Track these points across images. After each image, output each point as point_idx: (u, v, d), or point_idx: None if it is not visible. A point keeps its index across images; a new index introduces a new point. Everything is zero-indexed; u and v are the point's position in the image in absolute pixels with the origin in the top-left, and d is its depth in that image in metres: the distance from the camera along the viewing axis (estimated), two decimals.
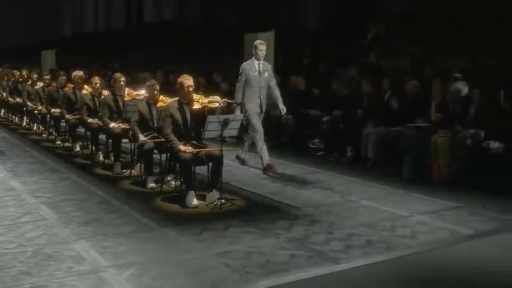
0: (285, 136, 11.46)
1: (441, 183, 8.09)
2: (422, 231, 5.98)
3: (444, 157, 8.22)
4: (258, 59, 8.97)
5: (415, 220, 6.37)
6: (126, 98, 9.23)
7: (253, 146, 9.22)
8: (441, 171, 8.20)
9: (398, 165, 8.70)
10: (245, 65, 9.06)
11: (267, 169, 8.92)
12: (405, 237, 5.83)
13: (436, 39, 11.97)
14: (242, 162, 9.50)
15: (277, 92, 9.18)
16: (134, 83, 13.22)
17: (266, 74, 9.03)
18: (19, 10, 32.32)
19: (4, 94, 17.09)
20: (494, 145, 7.58)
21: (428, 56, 11.35)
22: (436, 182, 8.16)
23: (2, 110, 18.05)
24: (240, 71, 9.06)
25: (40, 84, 13.89)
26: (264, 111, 9.14)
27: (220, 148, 7.06)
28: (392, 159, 8.97)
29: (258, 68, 8.96)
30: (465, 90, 8.66)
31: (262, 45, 9.03)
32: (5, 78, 17.92)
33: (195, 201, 7.02)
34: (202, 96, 7.44)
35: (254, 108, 8.98)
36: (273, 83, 9.21)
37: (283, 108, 9.20)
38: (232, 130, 7.26)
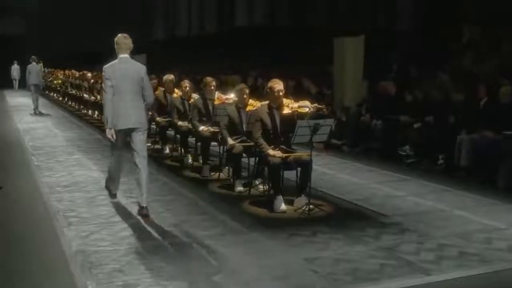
0: (374, 142, 11.26)
1: None
2: None
3: None
4: None
5: None
6: (216, 102, 9.33)
7: None
8: None
9: (493, 174, 8.37)
10: None
11: None
12: (501, 250, 5.58)
13: None
14: None
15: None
16: (222, 86, 13.36)
17: None
18: (109, 15, 33.21)
19: (98, 97, 17.70)
20: None
21: None
22: None
23: (96, 112, 18.67)
24: None
25: None
26: None
27: (309, 153, 7.01)
28: (487, 167, 8.63)
29: None
30: None
31: None
32: (99, 81, 18.55)
33: (283, 206, 6.99)
34: (292, 101, 7.41)
35: None
36: None
37: None
38: (322, 135, 7.18)
